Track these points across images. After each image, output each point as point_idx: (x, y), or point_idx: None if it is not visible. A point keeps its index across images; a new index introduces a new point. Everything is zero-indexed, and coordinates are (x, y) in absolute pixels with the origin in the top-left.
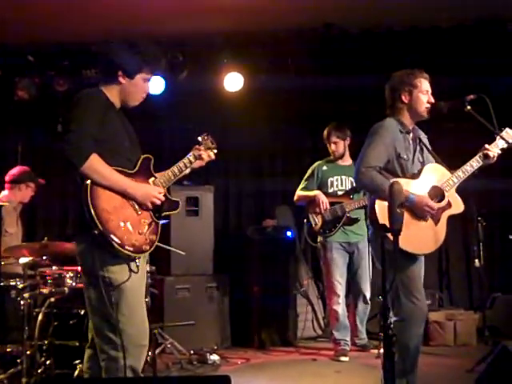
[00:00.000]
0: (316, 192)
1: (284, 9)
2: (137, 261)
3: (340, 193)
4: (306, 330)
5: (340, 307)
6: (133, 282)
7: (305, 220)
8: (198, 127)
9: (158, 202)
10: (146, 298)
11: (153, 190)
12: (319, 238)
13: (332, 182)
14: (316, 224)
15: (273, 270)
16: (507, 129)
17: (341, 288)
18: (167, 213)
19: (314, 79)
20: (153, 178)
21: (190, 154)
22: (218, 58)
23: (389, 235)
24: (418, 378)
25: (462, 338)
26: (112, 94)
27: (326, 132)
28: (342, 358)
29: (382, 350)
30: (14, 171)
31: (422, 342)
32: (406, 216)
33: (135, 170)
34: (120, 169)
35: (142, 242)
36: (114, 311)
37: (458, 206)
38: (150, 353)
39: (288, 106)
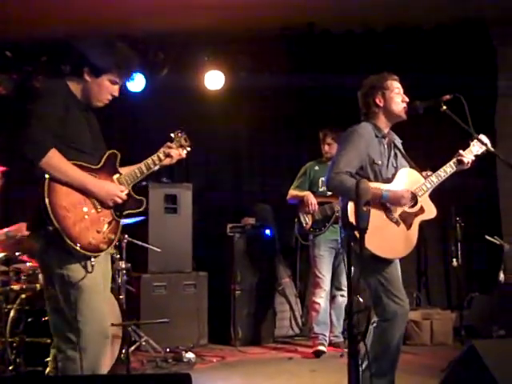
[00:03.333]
0: (306, 193)
1: (266, 7)
2: (92, 259)
3: (329, 193)
4: (283, 328)
5: (323, 301)
6: (92, 280)
7: (296, 219)
8: (179, 125)
9: (120, 201)
10: (120, 295)
11: (114, 189)
12: (310, 237)
13: (323, 182)
14: (306, 223)
15: (251, 268)
16: (481, 135)
17: (326, 283)
18: (130, 211)
19: (296, 78)
20: (117, 175)
21: (160, 150)
22: (199, 55)
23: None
24: None
25: (438, 337)
26: (76, 89)
27: (321, 133)
28: (320, 348)
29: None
30: None
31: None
32: (378, 221)
33: (99, 166)
34: (82, 164)
35: (99, 240)
36: (72, 310)
37: (431, 212)
38: (124, 350)
39: (269, 105)
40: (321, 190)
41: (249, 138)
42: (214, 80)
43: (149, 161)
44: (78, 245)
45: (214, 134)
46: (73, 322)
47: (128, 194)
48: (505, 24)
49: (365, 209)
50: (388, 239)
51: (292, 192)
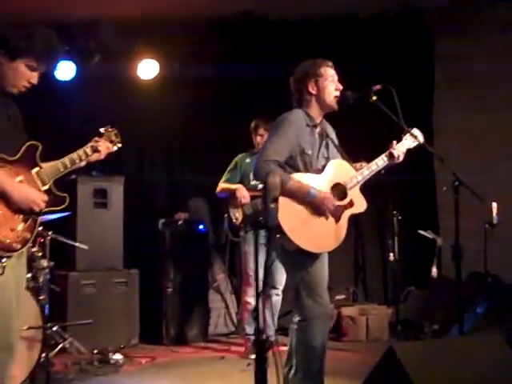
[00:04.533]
0: (237, 186)
1: None
2: (3, 260)
3: (261, 186)
4: (217, 326)
5: (254, 300)
6: (0, 284)
7: (225, 215)
8: (110, 116)
9: (37, 209)
10: (41, 295)
11: (34, 195)
12: (241, 233)
13: None
14: (236, 218)
15: (184, 265)
16: (414, 129)
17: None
18: (49, 209)
19: (231, 68)
20: (37, 169)
21: (88, 145)
22: (132, 44)
23: (289, 235)
24: (326, 373)
25: (374, 332)
26: None
27: (253, 124)
28: (252, 356)
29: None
30: None
31: (327, 341)
32: (306, 213)
33: (16, 158)
34: None
35: (12, 239)
36: None
37: (361, 205)
38: (43, 354)
39: (203, 95)
40: (252, 183)
41: (183, 129)
42: (147, 69)
43: (74, 155)
44: None
45: (147, 125)
46: None
47: (49, 190)
48: (441, 14)
49: (272, 206)
50: (316, 233)
51: (222, 185)
